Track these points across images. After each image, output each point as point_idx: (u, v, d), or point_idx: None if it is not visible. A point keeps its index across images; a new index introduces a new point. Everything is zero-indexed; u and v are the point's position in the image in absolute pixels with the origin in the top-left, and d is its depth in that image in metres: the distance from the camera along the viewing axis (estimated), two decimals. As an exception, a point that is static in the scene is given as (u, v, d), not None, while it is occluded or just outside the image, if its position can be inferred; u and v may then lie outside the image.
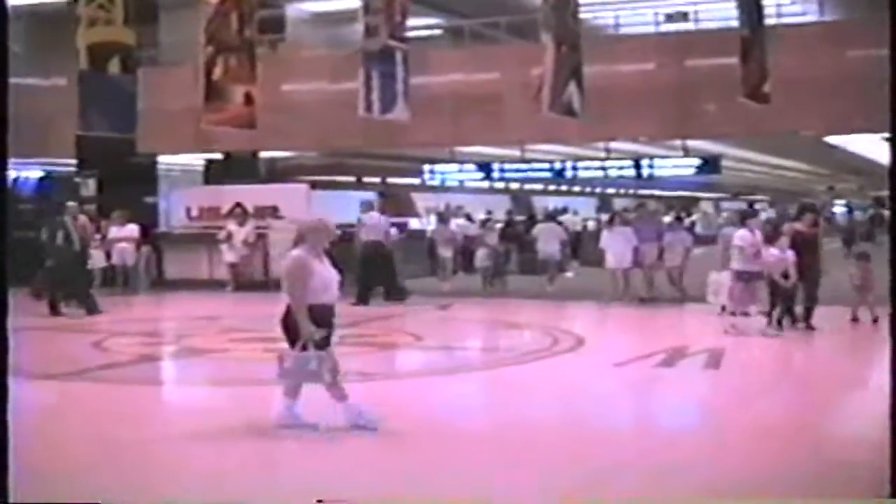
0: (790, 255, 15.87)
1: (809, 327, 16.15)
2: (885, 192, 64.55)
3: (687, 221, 42.89)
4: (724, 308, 17.46)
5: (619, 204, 49.00)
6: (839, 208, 63.73)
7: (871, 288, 16.55)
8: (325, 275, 8.95)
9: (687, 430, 9.93)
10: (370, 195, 27.18)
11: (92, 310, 19.22)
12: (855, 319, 16.81)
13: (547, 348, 15.19)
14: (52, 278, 19.34)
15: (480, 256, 24.75)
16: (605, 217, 30.25)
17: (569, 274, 27.14)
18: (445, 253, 25.58)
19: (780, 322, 16.05)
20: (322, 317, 8.87)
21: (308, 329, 8.72)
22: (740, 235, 16.21)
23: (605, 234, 22.04)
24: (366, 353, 14.45)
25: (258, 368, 13.58)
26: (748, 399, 11.22)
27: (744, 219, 17.68)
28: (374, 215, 22.56)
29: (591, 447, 8.73)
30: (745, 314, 16.20)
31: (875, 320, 16.30)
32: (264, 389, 10.83)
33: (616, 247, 21.56)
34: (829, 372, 13.66)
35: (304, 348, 8.77)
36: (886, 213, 47.88)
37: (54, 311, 18.99)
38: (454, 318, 19.76)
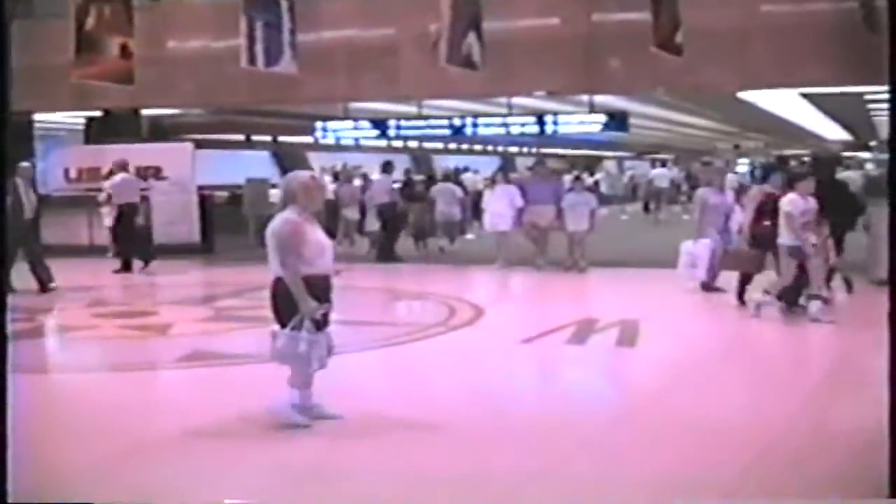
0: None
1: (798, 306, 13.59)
2: (789, 151, 64.90)
3: (590, 181, 42.26)
4: (705, 285, 15.79)
5: (521, 163, 48.20)
6: (742, 167, 63.42)
7: (829, 253, 13.74)
8: (320, 241, 7.98)
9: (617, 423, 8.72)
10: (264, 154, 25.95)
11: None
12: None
13: (442, 321, 13.87)
14: None
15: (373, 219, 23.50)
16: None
17: (469, 236, 26.25)
18: (351, 215, 24.38)
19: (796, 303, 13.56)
20: (319, 289, 7.86)
21: (309, 305, 7.71)
22: (790, 200, 13.01)
23: (486, 194, 20.79)
24: (238, 330, 13.18)
25: (120, 350, 12.48)
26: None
27: (792, 181, 13.72)
28: (383, 178, 23.07)
29: (497, 454, 7.54)
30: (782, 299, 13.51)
31: (849, 287, 14.83)
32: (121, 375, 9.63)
33: (494, 207, 20.36)
34: None
35: (298, 327, 7.74)
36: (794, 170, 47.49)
37: None
38: (342, 287, 18.34)
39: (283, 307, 7.81)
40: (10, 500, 4.64)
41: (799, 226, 12.83)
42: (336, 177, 29.88)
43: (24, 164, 17.54)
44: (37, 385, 9.54)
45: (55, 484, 6.62)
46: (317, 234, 7.94)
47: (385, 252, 21.87)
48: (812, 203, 12.98)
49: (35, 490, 5.69)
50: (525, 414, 8.75)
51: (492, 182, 21.07)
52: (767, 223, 13.64)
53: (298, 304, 7.70)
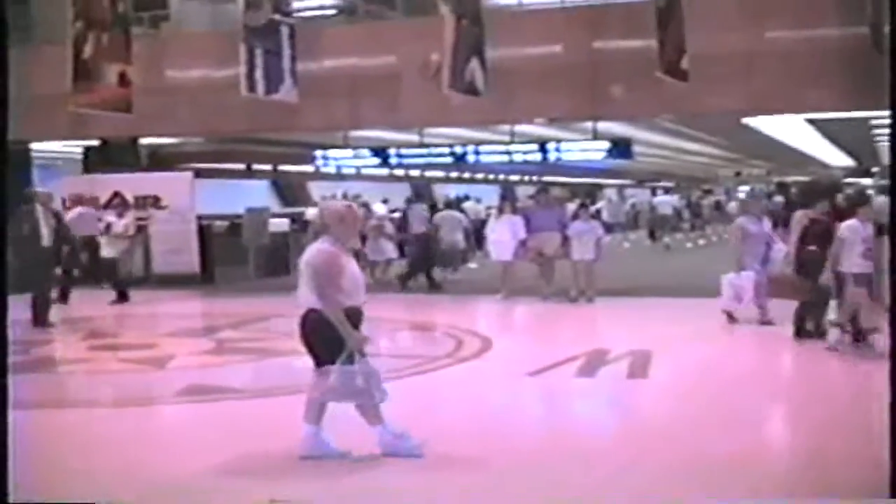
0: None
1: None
2: (791, 178, 64.66)
3: (592, 209, 41.99)
4: (731, 316, 15.34)
5: (522, 192, 47.93)
6: (742, 194, 63.14)
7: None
8: (355, 272, 7.78)
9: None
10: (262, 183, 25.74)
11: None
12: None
13: (450, 353, 13.56)
14: None
15: (378, 248, 23.24)
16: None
17: (472, 265, 25.98)
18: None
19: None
20: (354, 322, 7.59)
21: (356, 337, 7.52)
22: (850, 226, 12.59)
23: (491, 222, 20.46)
24: (239, 363, 12.91)
25: (118, 384, 12.18)
26: None
27: (854, 206, 13.21)
28: (416, 206, 23.47)
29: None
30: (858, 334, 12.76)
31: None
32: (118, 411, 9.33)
33: (497, 236, 20.02)
34: None
35: (348, 361, 7.52)
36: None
37: None
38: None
39: (320, 340, 7.58)
40: (10, 501, 4.60)
41: (861, 252, 12.47)
42: (366, 206, 29.63)
43: (44, 189, 17.00)
44: (35, 421, 9.22)
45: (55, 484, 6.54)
46: (352, 265, 7.74)
47: (429, 280, 22.06)
48: (870, 229, 12.61)
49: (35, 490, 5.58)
50: (535, 447, 8.44)
51: (499, 211, 20.68)
52: (813, 248, 13.25)
53: (345, 338, 7.46)
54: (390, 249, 23.48)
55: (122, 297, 19.61)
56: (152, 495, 7.10)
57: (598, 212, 42.61)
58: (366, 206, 30.17)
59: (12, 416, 4.67)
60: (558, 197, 24.64)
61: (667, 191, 45.81)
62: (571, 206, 24.24)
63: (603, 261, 19.43)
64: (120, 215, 22.63)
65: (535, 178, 53.22)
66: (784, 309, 13.98)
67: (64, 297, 18.92)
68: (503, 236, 19.80)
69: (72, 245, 17.37)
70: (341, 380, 7.49)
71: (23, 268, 14.85)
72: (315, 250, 7.60)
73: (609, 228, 41.78)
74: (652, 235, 38.48)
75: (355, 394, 7.57)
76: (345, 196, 36.77)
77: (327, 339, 7.50)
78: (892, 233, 5.49)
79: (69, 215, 20.29)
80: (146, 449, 8.53)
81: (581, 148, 25.24)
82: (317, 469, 7.58)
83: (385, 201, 34.99)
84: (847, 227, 12.63)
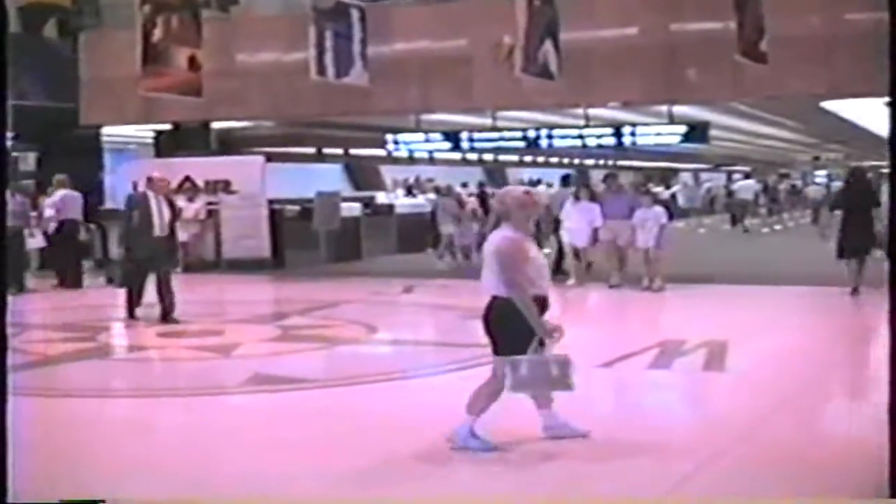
0: None
1: None
2: (868, 163, 63.65)
3: (667, 193, 41.48)
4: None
5: (596, 176, 47.54)
6: (820, 179, 62.27)
7: None
8: (540, 260, 7.70)
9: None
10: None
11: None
12: None
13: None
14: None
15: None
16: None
17: (546, 250, 25.70)
18: (449, 229, 24.24)
19: None
20: (539, 311, 7.46)
21: (546, 326, 7.38)
22: None
23: (567, 207, 19.96)
24: (305, 351, 12.71)
25: (181, 372, 12.05)
26: None
27: None
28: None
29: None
30: None
31: None
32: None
33: (572, 222, 19.40)
34: None
35: (538, 351, 7.41)
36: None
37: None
38: (416, 303, 17.89)
39: (506, 329, 7.44)
40: (9, 501, 4.57)
41: None
42: (438, 190, 29.69)
43: (157, 174, 15.64)
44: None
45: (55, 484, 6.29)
46: (536, 253, 7.63)
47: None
48: None
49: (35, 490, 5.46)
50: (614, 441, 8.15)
51: (574, 198, 20.10)
52: None
53: (534, 327, 7.33)
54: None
55: (63, 283, 19.65)
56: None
57: (674, 196, 42.24)
58: (437, 189, 30.22)
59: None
60: (621, 184, 23.52)
61: (747, 175, 45.06)
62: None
63: (671, 247, 18.99)
64: (191, 199, 22.68)
65: (609, 161, 52.69)
66: None
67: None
68: (579, 223, 19.33)
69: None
70: (533, 370, 7.36)
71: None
72: (501, 237, 7.48)
73: (685, 213, 41.40)
74: (734, 220, 37.97)
75: (547, 384, 7.49)
76: (417, 179, 36.69)
77: (513, 329, 7.38)
78: (892, 232, 5.48)
79: (50, 200, 20.12)
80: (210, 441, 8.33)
81: (656, 132, 24.83)
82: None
83: (464, 185, 34.76)
84: None
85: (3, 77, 4.60)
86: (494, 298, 7.44)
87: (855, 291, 16.37)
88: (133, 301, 14.98)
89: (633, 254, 18.89)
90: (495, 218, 7.63)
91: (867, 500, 5.98)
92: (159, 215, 14.76)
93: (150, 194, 14.86)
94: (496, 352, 7.51)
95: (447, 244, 24.35)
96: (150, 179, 15.16)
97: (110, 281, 19.41)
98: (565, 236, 19.76)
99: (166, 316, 14.59)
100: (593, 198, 19.81)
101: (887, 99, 5.22)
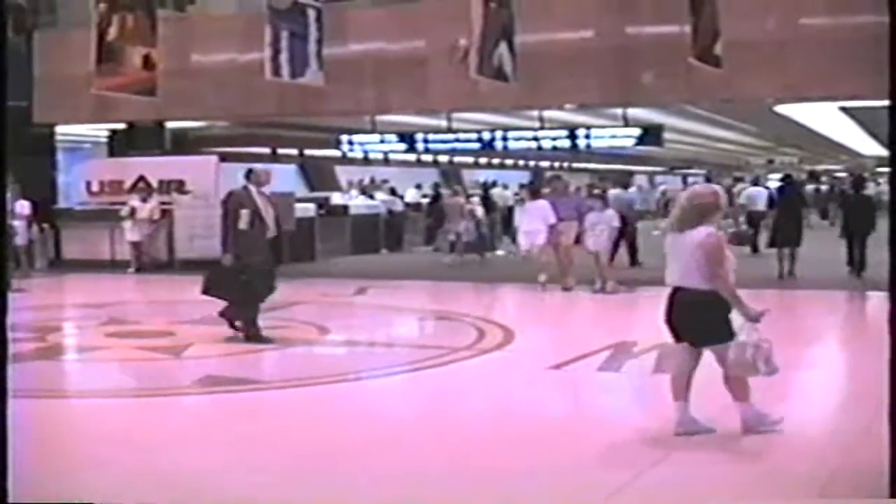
0: None
1: None
2: (822, 167, 64.16)
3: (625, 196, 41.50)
4: None
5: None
6: (773, 183, 62.54)
7: None
8: (731, 256, 8.16)
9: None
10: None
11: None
12: None
13: (469, 345, 13.06)
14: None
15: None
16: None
17: (500, 252, 25.74)
18: (457, 227, 24.64)
19: None
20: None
21: (751, 310, 7.89)
22: None
23: (517, 214, 19.84)
24: (258, 352, 12.61)
25: (135, 372, 11.98)
26: None
27: None
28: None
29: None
30: None
31: None
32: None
33: (527, 226, 19.22)
34: None
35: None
36: (823, 188, 46.87)
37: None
38: (368, 304, 17.98)
39: (707, 319, 7.96)
40: (10, 501, 4.63)
41: None
42: (393, 191, 31.26)
43: (258, 165, 13.72)
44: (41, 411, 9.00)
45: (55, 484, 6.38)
46: (729, 251, 8.14)
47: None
48: None
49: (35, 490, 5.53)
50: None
51: (521, 200, 20.04)
52: None
53: (743, 313, 7.84)
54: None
55: None
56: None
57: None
58: (393, 190, 30.34)
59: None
60: (566, 184, 23.29)
61: (708, 178, 45.05)
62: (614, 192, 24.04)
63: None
64: (144, 199, 22.60)
65: (564, 164, 52.81)
66: None
67: None
68: (533, 224, 19.19)
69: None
70: (737, 354, 7.82)
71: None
72: (705, 234, 7.91)
73: (640, 216, 41.47)
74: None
75: (746, 367, 7.86)
76: (372, 180, 36.61)
77: (714, 318, 7.91)
78: (892, 230, 5.40)
79: None
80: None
81: (611, 134, 24.97)
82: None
83: (418, 186, 34.79)
84: None
85: (2, 77, 4.66)
86: (687, 291, 7.96)
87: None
88: (253, 324, 13.10)
89: (587, 256, 18.83)
90: (696, 216, 7.95)
91: (867, 500, 6.10)
92: (266, 213, 12.87)
93: (253, 189, 12.80)
94: (693, 342, 8.07)
95: (453, 241, 24.63)
96: (250, 171, 12.97)
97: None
98: (522, 241, 19.59)
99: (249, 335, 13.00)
100: (537, 197, 19.64)
101: (887, 102, 5.37)
